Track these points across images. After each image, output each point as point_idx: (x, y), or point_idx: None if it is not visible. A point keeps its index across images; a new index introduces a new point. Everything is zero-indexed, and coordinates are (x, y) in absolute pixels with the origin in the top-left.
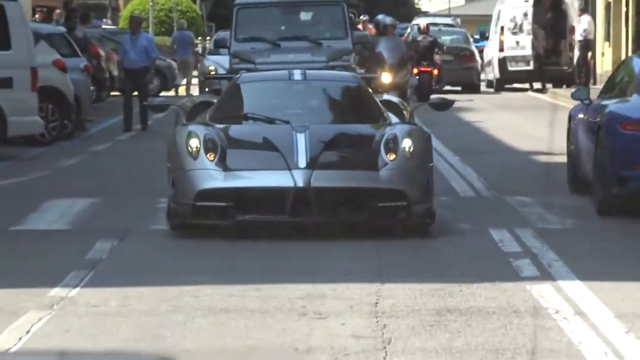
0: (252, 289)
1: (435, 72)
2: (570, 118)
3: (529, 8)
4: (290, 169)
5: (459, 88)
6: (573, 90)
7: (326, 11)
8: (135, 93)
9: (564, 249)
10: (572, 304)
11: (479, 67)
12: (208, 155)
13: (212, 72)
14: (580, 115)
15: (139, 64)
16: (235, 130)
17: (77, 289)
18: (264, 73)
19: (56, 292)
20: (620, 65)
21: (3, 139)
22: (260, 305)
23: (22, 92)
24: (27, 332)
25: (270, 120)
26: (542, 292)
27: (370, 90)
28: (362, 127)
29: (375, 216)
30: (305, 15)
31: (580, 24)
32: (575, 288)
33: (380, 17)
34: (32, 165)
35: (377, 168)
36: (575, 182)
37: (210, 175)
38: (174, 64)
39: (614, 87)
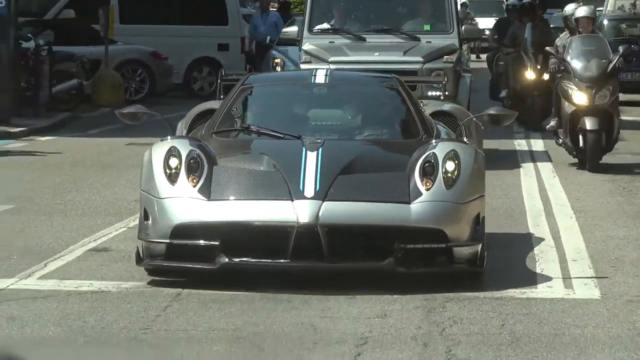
0: None
1: None
2: None
3: None
4: (292, 199)
5: None
6: None
7: None
8: None
9: None
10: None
11: None
12: (190, 179)
13: (278, 67)
14: None
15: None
16: (230, 147)
17: None
18: (279, 73)
19: None
20: None
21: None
22: None
23: (235, 54)
24: None
25: (278, 135)
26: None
27: (412, 95)
28: (397, 145)
29: (404, 262)
30: (400, 2)
31: None
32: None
33: (570, 7)
34: None
35: (408, 200)
36: None
37: (191, 206)
38: None
39: None
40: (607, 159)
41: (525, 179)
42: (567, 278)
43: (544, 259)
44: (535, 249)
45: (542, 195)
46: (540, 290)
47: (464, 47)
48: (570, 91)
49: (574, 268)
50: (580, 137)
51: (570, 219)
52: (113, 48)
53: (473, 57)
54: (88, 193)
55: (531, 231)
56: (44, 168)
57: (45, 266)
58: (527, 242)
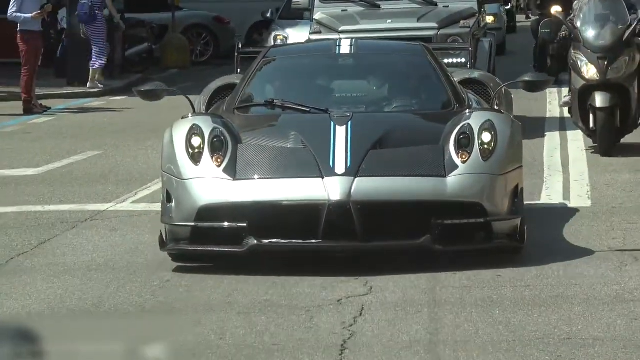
0: None
1: None
2: None
3: None
4: (323, 177)
5: None
6: None
7: None
8: None
9: None
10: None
11: None
12: (214, 158)
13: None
14: None
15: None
16: (254, 123)
17: None
18: (302, 45)
19: None
20: None
21: None
22: None
23: None
24: None
25: (304, 109)
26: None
27: (441, 63)
28: (429, 116)
29: (441, 239)
30: None
31: None
32: None
33: None
34: None
35: (444, 173)
36: None
37: (216, 186)
38: None
39: None
40: (626, 141)
41: (548, 119)
42: (566, 193)
43: (550, 180)
44: (545, 173)
45: (561, 132)
46: (542, 202)
47: (502, 9)
48: (579, 63)
49: (574, 187)
50: (591, 115)
51: (582, 152)
52: (179, 14)
53: (522, 17)
54: None
55: (545, 160)
56: (122, 122)
57: (136, 194)
58: (540, 167)
